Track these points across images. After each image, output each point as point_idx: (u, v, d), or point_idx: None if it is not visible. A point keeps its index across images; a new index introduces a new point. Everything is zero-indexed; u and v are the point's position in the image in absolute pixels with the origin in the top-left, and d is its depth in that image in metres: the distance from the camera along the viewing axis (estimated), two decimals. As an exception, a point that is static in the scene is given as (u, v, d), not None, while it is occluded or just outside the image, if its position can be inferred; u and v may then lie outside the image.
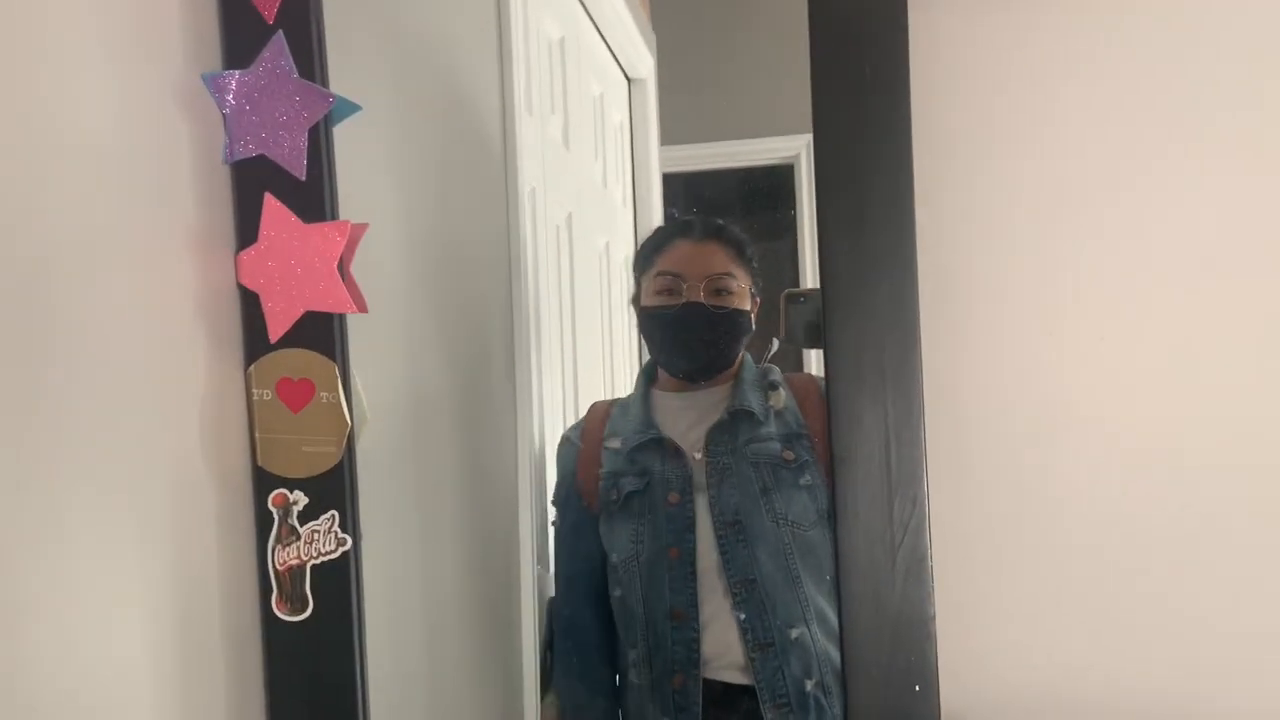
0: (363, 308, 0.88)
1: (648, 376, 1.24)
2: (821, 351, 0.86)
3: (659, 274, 1.18)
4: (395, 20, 1.14)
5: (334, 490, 0.88)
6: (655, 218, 1.38)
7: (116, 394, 0.79)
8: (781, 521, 1.12)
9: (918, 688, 0.83)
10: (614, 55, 1.40)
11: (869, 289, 0.83)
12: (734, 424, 1.16)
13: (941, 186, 0.86)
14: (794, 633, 1.11)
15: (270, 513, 0.89)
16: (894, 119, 0.83)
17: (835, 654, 0.84)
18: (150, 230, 0.83)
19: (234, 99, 0.86)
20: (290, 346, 0.88)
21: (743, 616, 1.12)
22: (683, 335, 1.18)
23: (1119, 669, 0.87)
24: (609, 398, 1.33)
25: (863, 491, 0.83)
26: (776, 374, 1.17)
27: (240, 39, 0.87)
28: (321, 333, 0.88)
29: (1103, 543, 0.86)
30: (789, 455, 1.13)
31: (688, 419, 1.19)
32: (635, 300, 1.23)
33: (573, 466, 1.23)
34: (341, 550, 0.88)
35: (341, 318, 0.88)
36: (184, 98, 0.86)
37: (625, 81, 1.42)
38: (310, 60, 0.86)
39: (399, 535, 1.07)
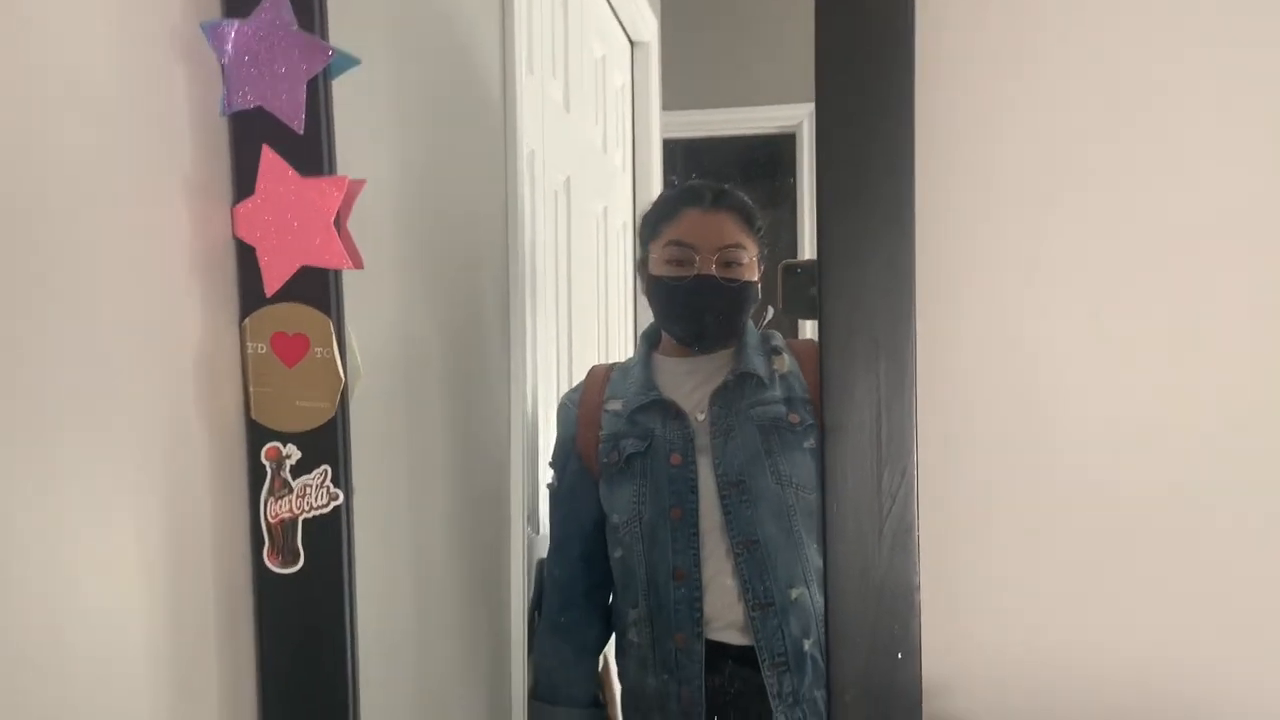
0: (358, 264, 0.88)
1: (649, 341, 1.24)
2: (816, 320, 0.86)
3: (669, 243, 1.18)
4: (397, -25, 1.13)
5: (327, 445, 0.89)
6: (655, 183, 1.38)
7: (110, 345, 0.79)
8: (785, 483, 1.13)
9: (900, 656, 0.83)
10: (617, 17, 1.39)
11: (865, 259, 0.83)
12: (739, 386, 1.16)
13: (940, 159, 0.86)
14: (794, 593, 1.12)
15: (263, 466, 0.89)
16: (897, 89, 0.83)
17: None
18: (146, 181, 0.83)
19: (232, 49, 0.85)
20: (285, 301, 0.88)
21: (744, 576, 1.13)
22: (693, 307, 1.18)
23: (1104, 641, 0.88)
24: (605, 361, 1.33)
25: (852, 461, 0.83)
26: (779, 339, 1.18)
27: (240, -11, 0.86)
28: (317, 288, 0.88)
29: (1090, 515, 0.87)
30: (794, 418, 1.14)
31: (691, 382, 1.19)
32: (641, 265, 1.23)
33: (572, 429, 1.24)
34: (333, 505, 0.89)
35: (337, 274, 0.88)
36: (182, 47, 0.85)
37: (628, 44, 1.41)
38: (310, 12, 0.86)
39: (390, 492, 1.08)
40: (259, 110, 0.86)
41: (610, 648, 1.26)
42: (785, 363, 1.16)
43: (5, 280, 0.70)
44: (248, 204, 0.87)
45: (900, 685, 0.84)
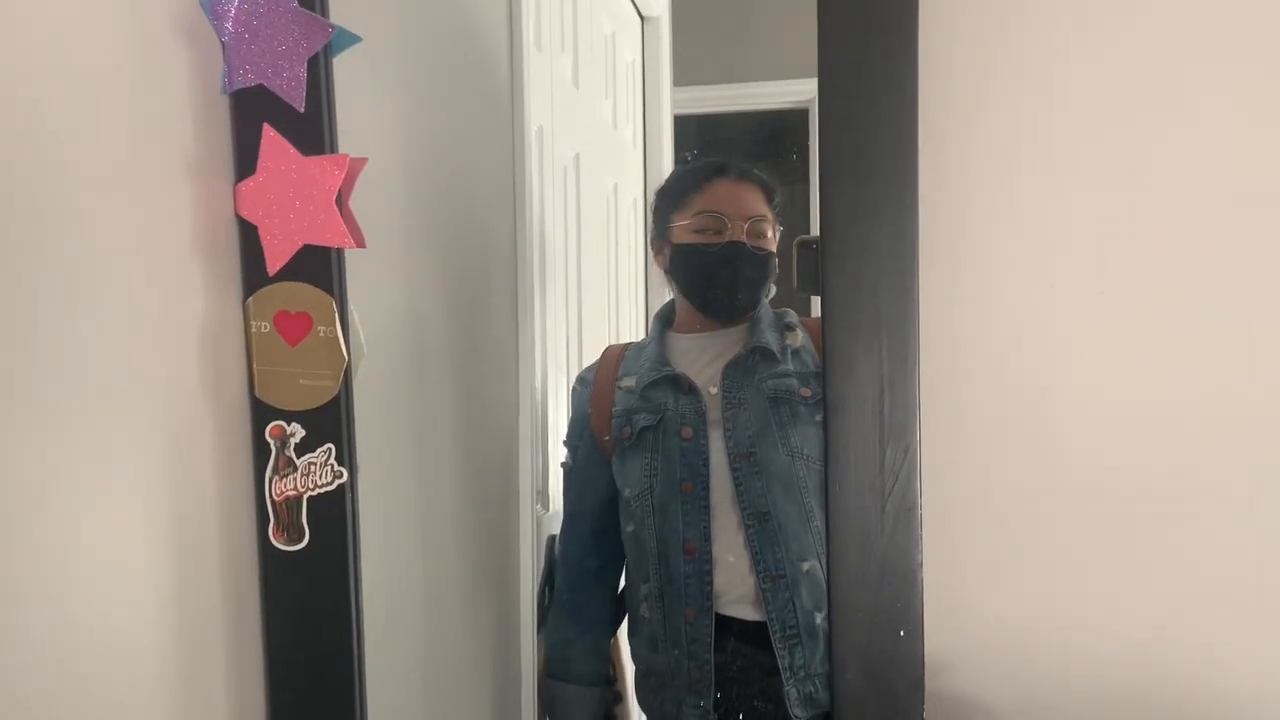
0: (360, 243, 0.88)
1: (663, 320, 1.24)
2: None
3: (700, 212, 1.19)
4: (401, -49, 1.12)
5: (331, 423, 0.89)
6: (666, 160, 1.37)
7: (113, 324, 0.79)
8: (796, 454, 1.13)
9: (903, 633, 0.83)
10: (627, -8, 1.38)
11: (868, 234, 0.83)
12: (752, 360, 1.17)
13: (943, 135, 0.85)
14: (805, 565, 1.13)
15: (268, 444, 0.90)
16: (900, 63, 0.82)
17: None
18: (148, 159, 0.83)
19: (233, 27, 0.85)
20: (288, 280, 0.88)
21: (755, 548, 1.13)
22: (724, 273, 1.19)
23: (1106, 618, 0.87)
24: (615, 338, 1.33)
25: (855, 439, 0.83)
26: (792, 316, 1.19)
27: (240, -34, 0.86)
28: (319, 267, 0.88)
29: (1093, 493, 0.86)
30: (805, 391, 1.14)
31: (704, 358, 1.20)
32: (662, 238, 1.22)
33: (586, 407, 1.25)
34: (338, 483, 0.89)
35: (339, 252, 0.88)
36: (182, 24, 0.85)
37: (638, 20, 1.40)
38: (310, -11, 0.86)
39: (395, 470, 1.08)
40: (260, 88, 0.86)
41: (624, 629, 1.26)
42: (799, 338, 1.17)
43: (7, 261, 0.70)
44: (249, 183, 0.87)
45: (902, 662, 0.84)
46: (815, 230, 1.24)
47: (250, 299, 0.89)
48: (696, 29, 1.38)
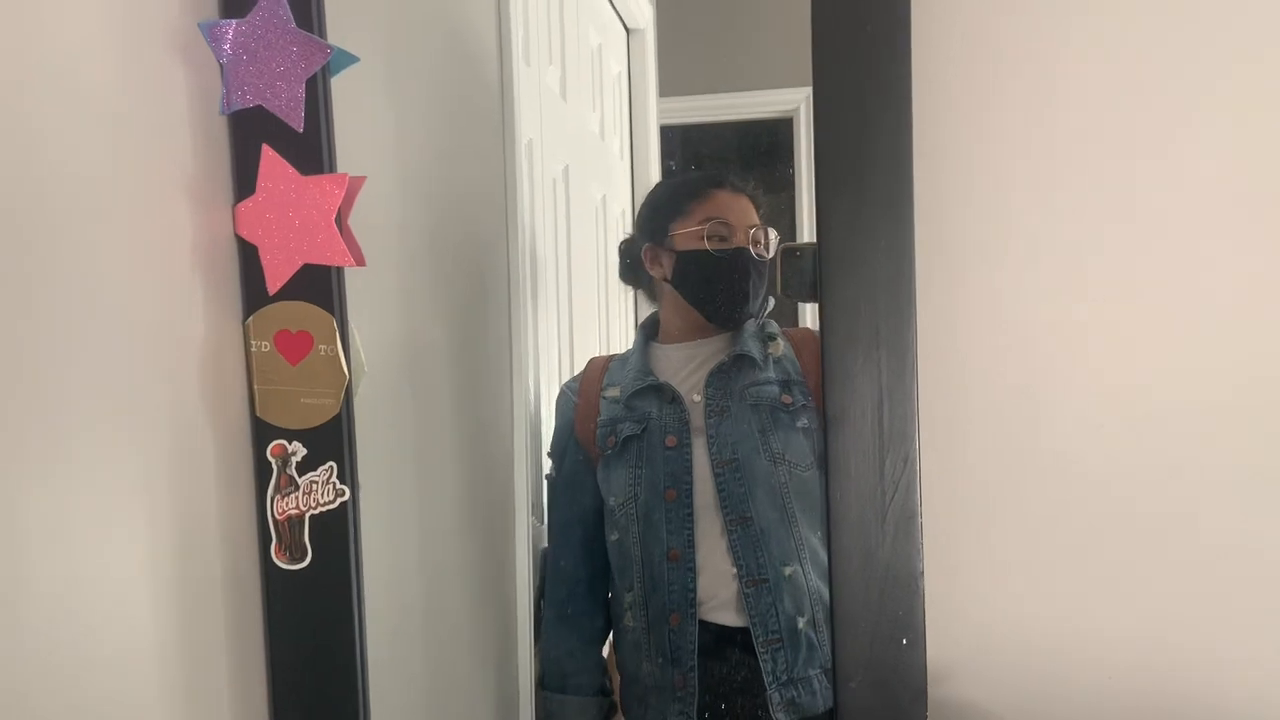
0: (360, 261, 0.88)
1: (646, 331, 1.25)
2: (816, 306, 0.87)
3: (708, 219, 1.20)
4: (392, -32, 1.12)
5: (332, 441, 0.89)
6: (653, 170, 1.38)
7: (114, 344, 0.79)
8: (778, 461, 1.15)
9: (905, 641, 0.84)
10: (613, 5, 1.39)
11: (865, 245, 0.84)
12: (734, 368, 1.18)
13: (938, 145, 0.86)
14: (788, 570, 1.14)
15: (269, 463, 0.90)
16: (895, 74, 0.83)
17: (827, 593, 0.86)
18: (148, 180, 0.83)
19: (231, 48, 0.85)
20: (288, 299, 0.88)
21: (737, 553, 1.14)
22: (730, 279, 1.20)
23: (1107, 625, 0.88)
24: (605, 350, 1.34)
25: (854, 449, 0.84)
26: (773, 326, 1.20)
27: (237, -13, 0.86)
28: (319, 285, 0.88)
29: (1092, 501, 0.88)
30: (787, 399, 1.16)
31: (687, 367, 1.21)
32: (660, 246, 1.23)
33: (571, 417, 1.25)
34: (339, 501, 0.89)
35: (339, 271, 0.88)
36: (180, 46, 0.85)
37: (624, 32, 1.41)
38: (308, 10, 0.86)
39: (396, 486, 1.08)
40: (259, 109, 0.86)
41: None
42: (780, 347, 1.19)
43: (8, 281, 0.70)
44: (249, 203, 0.87)
45: (905, 671, 0.85)
46: (804, 237, 1.26)
47: (250, 319, 0.89)
48: (681, 40, 1.38)
